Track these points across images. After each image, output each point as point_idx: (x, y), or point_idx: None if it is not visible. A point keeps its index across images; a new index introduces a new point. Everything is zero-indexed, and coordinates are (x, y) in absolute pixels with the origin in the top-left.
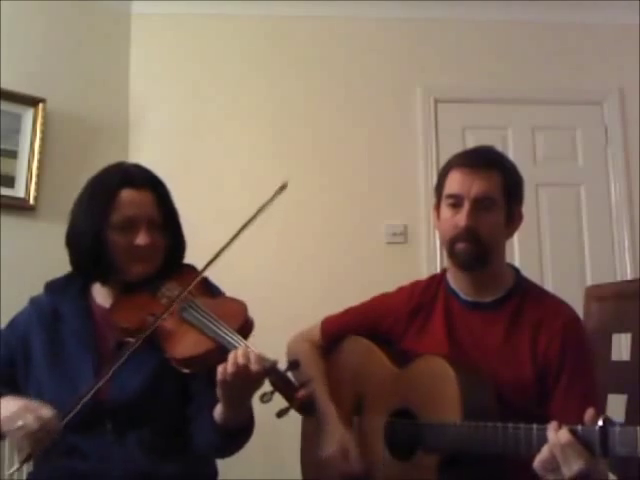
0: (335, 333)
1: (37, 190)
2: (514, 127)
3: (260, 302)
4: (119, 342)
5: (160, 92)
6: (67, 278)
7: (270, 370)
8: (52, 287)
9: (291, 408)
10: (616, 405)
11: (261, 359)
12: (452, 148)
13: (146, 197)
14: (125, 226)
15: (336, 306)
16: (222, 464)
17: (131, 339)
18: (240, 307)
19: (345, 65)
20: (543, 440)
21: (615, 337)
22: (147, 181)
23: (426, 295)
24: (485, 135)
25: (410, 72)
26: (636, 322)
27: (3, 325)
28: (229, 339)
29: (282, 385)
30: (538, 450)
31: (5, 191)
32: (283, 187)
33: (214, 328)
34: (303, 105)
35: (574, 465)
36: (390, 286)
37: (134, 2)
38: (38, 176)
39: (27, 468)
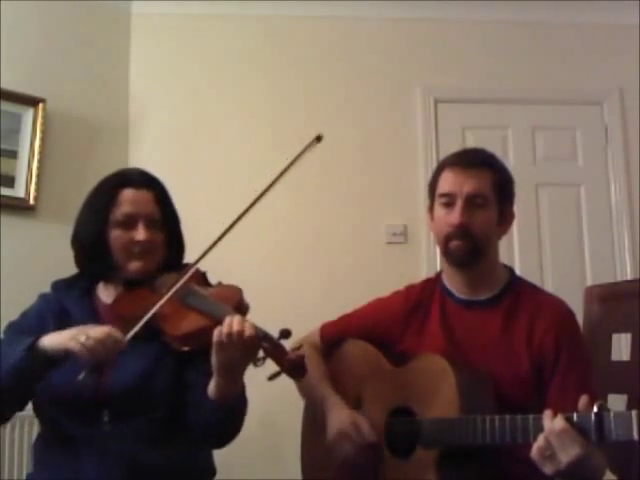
0: (334, 337)
1: (37, 190)
2: (514, 127)
3: (260, 302)
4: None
5: (160, 92)
6: (73, 278)
7: (263, 336)
8: (57, 285)
9: (282, 371)
10: (616, 405)
11: (255, 327)
12: (452, 148)
13: (145, 195)
14: (125, 222)
15: (336, 306)
16: (222, 464)
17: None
18: (236, 290)
19: (345, 65)
20: (539, 429)
21: (615, 337)
22: (146, 181)
23: (422, 297)
24: (485, 135)
25: (410, 72)
26: (636, 322)
27: (3, 326)
28: (226, 314)
29: (273, 350)
30: (534, 439)
31: (5, 191)
32: (319, 138)
33: (211, 307)
34: (303, 105)
35: (570, 451)
36: (390, 286)
37: (134, 2)
38: (38, 176)
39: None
